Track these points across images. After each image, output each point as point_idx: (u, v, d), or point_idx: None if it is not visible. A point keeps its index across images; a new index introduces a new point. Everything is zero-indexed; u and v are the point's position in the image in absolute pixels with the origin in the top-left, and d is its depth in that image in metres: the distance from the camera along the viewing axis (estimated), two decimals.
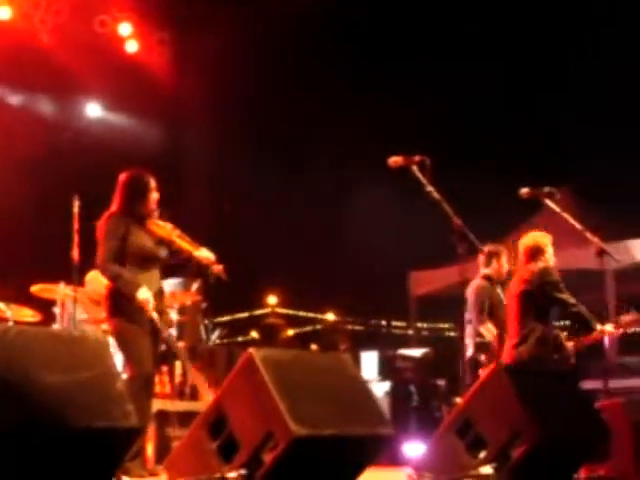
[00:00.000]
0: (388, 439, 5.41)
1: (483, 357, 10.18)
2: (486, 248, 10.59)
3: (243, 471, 4.76)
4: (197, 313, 10.69)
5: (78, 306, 9.86)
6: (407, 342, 16.19)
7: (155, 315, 7.20)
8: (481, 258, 10.41)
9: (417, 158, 7.24)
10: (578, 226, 8.15)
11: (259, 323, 18.04)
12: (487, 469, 5.65)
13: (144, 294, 7.15)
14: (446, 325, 20.05)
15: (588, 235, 8.12)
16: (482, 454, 5.72)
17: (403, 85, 16.18)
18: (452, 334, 19.55)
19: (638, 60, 15.83)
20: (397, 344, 16.12)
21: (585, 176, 14.23)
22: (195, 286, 10.33)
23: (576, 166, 14.89)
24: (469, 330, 10.18)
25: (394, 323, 21.08)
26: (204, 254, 7.53)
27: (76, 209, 9.23)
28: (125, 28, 14.43)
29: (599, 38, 16.41)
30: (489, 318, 10.06)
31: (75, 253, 9.23)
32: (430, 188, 7.19)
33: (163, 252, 7.48)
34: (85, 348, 4.37)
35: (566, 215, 8.08)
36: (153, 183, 7.52)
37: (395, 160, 7.30)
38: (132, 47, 14.62)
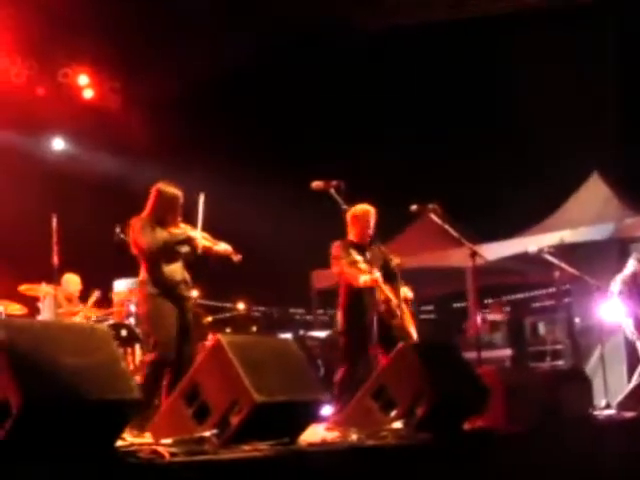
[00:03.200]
0: (325, 403, 5.47)
1: None
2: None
3: (215, 431, 4.77)
4: None
5: (56, 302, 9.87)
6: (311, 326, 16.22)
7: None
8: None
9: (334, 183, 7.26)
10: (455, 233, 8.18)
11: None
12: (398, 424, 5.74)
13: (192, 232, 7.26)
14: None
15: (463, 240, 8.21)
16: (393, 413, 5.80)
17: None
18: None
19: None
20: (301, 328, 16.18)
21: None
22: None
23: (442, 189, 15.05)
24: None
25: (296, 311, 21.07)
26: (222, 247, 7.38)
27: (54, 225, 9.19)
28: (83, 79, 14.40)
29: None
30: None
31: (55, 259, 9.18)
32: (345, 207, 7.23)
33: (183, 249, 7.25)
34: (94, 336, 4.33)
35: (446, 225, 8.11)
36: (181, 198, 7.31)
37: (317, 184, 7.29)
38: (88, 94, 14.59)
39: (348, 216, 7.95)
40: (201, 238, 7.25)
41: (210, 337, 11.23)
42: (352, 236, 8.02)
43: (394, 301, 7.71)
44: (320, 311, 17.24)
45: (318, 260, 16.34)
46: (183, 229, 7.29)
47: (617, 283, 10.69)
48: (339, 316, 8.00)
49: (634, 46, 15.12)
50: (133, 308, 10.27)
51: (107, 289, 10.66)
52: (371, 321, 7.47)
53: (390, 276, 8.02)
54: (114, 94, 14.78)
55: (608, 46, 15.81)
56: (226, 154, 15.26)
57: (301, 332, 13.40)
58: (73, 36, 13.37)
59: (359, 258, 7.61)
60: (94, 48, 13.96)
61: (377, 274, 7.64)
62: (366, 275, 7.59)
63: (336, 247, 7.95)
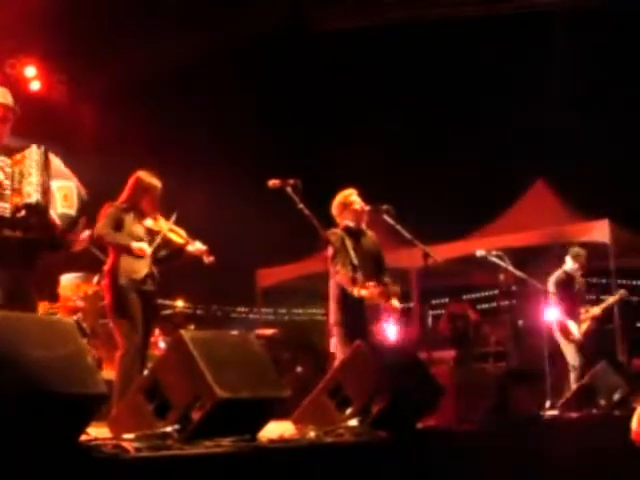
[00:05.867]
0: (286, 400, 5.47)
1: None
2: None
3: (177, 426, 4.76)
4: (96, 300, 10.45)
5: None
6: (253, 325, 16.22)
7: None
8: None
9: (292, 181, 7.21)
10: (408, 235, 8.16)
11: None
12: (353, 422, 5.77)
13: (137, 244, 6.98)
14: (284, 310, 20.08)
15: (416, 241, 8.19)
16: (348, 410, 5.83)
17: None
18: (286, 318, 19.72)
19: None
20: (242, 326, 16.15)
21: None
22: (96, 278, 10.10)
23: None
24: None
25: (238, 309, 21.04)
26: (196, 247, 7.31)
27: None
28: (30, 70, 14.20)
29: None
30: None
31: None
32: (301, 205, 7.18)
33: (152, 244, 7.19)
34: (59, 329, 4.29)
35: (399, 227, 8.08)
36: (159, 188, 7.26)
37: (274, 182, 7.20)
38: (35, 86, 14.39)
39: (334, 209, 7.96)
40: (168, 232, 7.24)
41: (157, 332, 11.18)
42: (348, 222, 7.95)
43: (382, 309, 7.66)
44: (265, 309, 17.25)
45: (263, 259, 16.42)
46: (157, 220, 7.26)
47: (550, 283, 10.83)
48: (332, 308, 7.76)
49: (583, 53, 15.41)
50: (80, 303, 10.17)
51: (53, 284, 10.50)
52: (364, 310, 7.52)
53: (380, 270, 7.96)
54: (61, 87, 14.62)
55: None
56: (173, 149, 15.20)
57: (243, 331, 13.38)
58: (21, 27, 13.18)
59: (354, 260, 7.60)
60: (42, 40, 13.80)
61: (371, 289, 7.52)
62: (362, 290, 7.48)
63: (335, 237, 7.75)
